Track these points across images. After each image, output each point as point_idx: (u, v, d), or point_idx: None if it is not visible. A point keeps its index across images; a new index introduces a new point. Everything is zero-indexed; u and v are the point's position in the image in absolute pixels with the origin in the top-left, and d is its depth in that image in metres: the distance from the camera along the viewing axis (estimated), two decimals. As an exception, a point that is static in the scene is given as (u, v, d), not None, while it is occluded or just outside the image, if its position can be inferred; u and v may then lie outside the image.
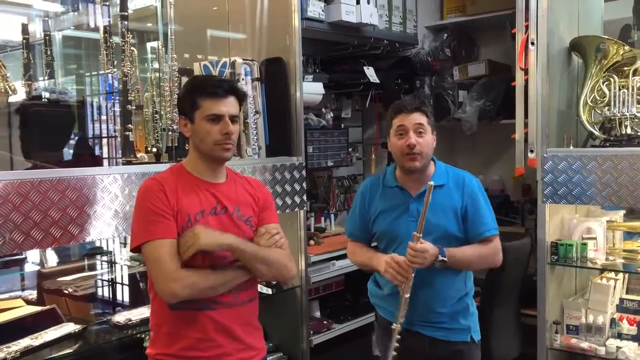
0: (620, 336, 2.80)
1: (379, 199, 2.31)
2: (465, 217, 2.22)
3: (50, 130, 2.38)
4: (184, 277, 1.73)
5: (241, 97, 1.91)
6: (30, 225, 1.91)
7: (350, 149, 3.89)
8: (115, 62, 2.39)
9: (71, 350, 2.14)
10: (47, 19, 2.69)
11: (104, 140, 2.78)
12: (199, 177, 1.88)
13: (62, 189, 1.99)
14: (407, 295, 2.11)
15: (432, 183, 2.08)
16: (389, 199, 2.27)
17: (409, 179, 2.26)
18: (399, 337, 2.12)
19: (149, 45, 2.99)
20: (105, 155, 2.78)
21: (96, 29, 2.52)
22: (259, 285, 2.82)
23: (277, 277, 1.97)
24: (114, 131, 2.47)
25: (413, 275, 2.10)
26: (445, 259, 2.11)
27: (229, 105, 1.84)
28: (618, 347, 2.71)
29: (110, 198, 2.14)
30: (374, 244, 2.42)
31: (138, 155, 2.44)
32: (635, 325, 2.80)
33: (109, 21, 2.41)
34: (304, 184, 2.94)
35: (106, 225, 2.13)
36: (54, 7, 3.07)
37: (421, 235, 2.08)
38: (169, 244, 1.75)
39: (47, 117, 2.35)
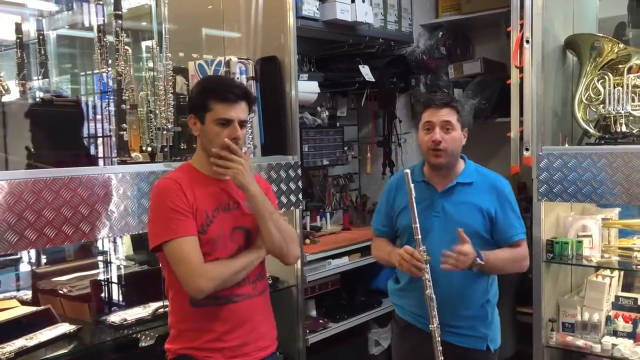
0: (615, 333, 2.81)
1: (405, 193, 2.21)
2: (494, 219, 2.21)
3: (44, 129, 2.37)
4: (209, 269, 1.79)
5: (252, 102, 1.96)
6: (24, 225, 1.90)
7: (345, 148, 3.89)
8: (110, 61, 2.39)
9: (66, 351, 2.14)
10: (41, 18, 2.68)
11: (99, 140, 2.77)
12: (209, 175, 1.93)
13: (56, 189, 1.98)
14: (429, 292, 2.08)
15: (407, 171, 2.10)
16: (416, 193, 2.14)
17: (436, 175, 2.26)
18: (437, 339, 2.08)
19: (143, 44, 2.99)
20: (100, 154, 2.77)
21: (90, 28, 2.51)
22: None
23: (284, 246, 1.94)
24: (109, 131, 2.46)
25: (428, 267, 2.07)
26: (482, 262, 2.10)
27: (239, 111, 1.88)
28: (614, 345, 2.72)
29: (105, 198, 2.13)
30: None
31: (133, 154, 2.43)
32: (630, 322, 2.80)
33: (104, 20, 2.40)
34: (300, 183, 2.94)
35: (101, 225, 2.12)
36: (48, 6, 3.07)
37: (417, 225, 2.06)
38: (192, 241, 1.80)
39: (40, 117, 2.34)
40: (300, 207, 2.96)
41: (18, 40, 2.41)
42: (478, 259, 2.09)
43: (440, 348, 2.08)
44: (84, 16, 2.92)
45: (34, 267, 2.83)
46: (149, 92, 2.49)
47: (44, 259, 3.02)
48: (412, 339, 2.29)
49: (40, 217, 1.94)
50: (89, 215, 2.07)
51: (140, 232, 2.28)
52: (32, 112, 2.29)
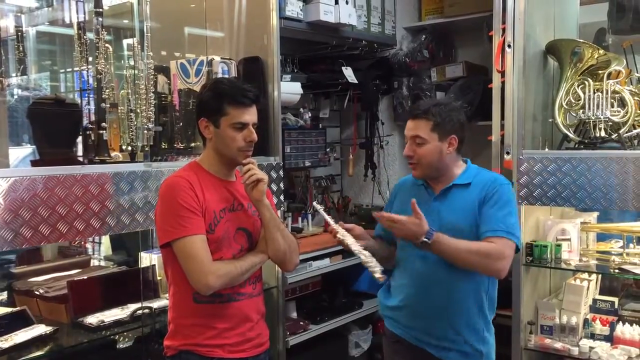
0: (593, 336, 2.84)
1: (406, 194, 2.21)
2: (479, 214, 2.07)
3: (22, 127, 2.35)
4: (218, 268, 1.84)
5: (259, 105, 2.00)
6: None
7: (328, 149, 3.88)
8: (90, 58, 2.36)
9: (42, 353, 2.11)
10: (19, 14, 2.64)
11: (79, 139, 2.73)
12: (216, 176, 1.97)
13: (33, 188, 1.94)
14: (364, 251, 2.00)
15: (317, 205, 2.14)
16: (413, 196, 2.09)
17: (432, 178, 2.18)
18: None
19: (125, 42, 2.95)
20: (80, 153, 2.73)
21: (71, 25, 2.48)
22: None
23: (287, 253, 2.01)
24: (89, 129, 2.42)
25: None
26: (428, 240, 1.95)
27: (252, 114, 1.93)
28: (591, 347, 2.75)
29: (84, 197, 2.10)
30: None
31: (112, 154, 2.41)
32: (607, 325, 2.84)
33: (84, 17, 2.37)
34: (282, 184, 2.93)
35: (81, 224, 2.09)
36: (28, 2, 3.02)
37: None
38: (202, 240, 1.84)
39: (19, 114, 2.31)
40: (281, 208, 2.95)
41: (-4, 37, 2.38)
42: (424, 237, 1.95)
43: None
44: (65, 13, 2.89)
45: (10, 267, 2.78)
46: (129, 90, 2.46)
47: (20, 259, 2.97)
48: (404, 355, 2.20)
49: (17, 217, 1.90)
50: (66, 215, 2.04)
51: (120, 232, 2.25)
52: (13, 109, 2.26)
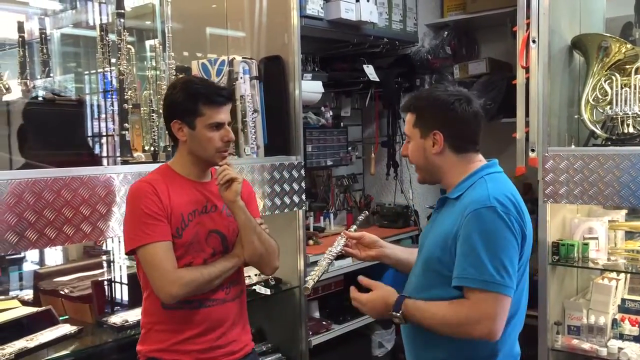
0: (622, 337, 2.78)
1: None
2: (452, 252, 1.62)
3: (46, 129, 2.36)
4: (182, 276, 1.78)
5: (231, 102, 1.97)
6: (24, 226, 1.89)
7: (349, 148, 3.87)
8: (113, 60, 2.37)
9: (67, 352, 2.12)
10: (43, 17, 2.67)
11: (102, 139, 2.76)
12: (188, 178, 1.93)
13: (57, 189, 1.96)
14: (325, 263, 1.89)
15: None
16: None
17: None
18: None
19: (147, 43, 2.97)
20: (104, 154, 2.76)
21: (94, 27, 2.50)
22: (257, 286, 2.84)
23: (265, 257, 1.96)
24: (113, 130, 2.45)
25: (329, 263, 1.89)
26: (397, 315, 1.64)
27: (227, 113, 1.90)
28: (620, 348, 2.69)
29: (107, 198, 2.11)
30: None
31: (135, 154, 2.42)
32: (637, 325, 2.78)
33: (107, 19, 2.38)
34: (303, 184, 2.92)
35: (103, 225, 2.10)
36: (52, 4, 3.05)
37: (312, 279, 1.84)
38: (165, 247, 1.80)
39: (42, 116, 2.33)
40: (303, 207, 2.94)
41: (20, 39, 2.41)
42: (394, 311, 1.65)
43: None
44: (88, 15, 2.92)
45: (36, 267, 2.81)
46: (151, 91, 2.47)
47: (47, 259, 3.01)
48: None
49: (41, 217, 1.92)
50: (90, 215, 2.05)
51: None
52: (32, 111, 2.27)
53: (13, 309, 2.34)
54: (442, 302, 1.61)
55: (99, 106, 2.75)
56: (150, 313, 1.91)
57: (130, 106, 2.36)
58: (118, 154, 2.38)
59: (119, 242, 3.17)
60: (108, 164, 2.51)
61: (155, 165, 2.30)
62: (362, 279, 1.80)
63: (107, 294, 2.50)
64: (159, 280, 1.77)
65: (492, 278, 1.53)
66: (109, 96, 2.45)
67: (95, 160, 2.45)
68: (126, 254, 1.86)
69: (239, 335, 1.99)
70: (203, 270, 1.84)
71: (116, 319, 2.33)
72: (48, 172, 1.99)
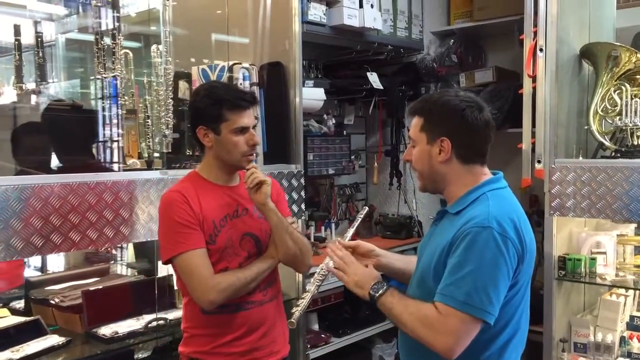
0: (630, 355, 2.71)
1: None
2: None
3: (39, 135, 2.32)
4: (220, 282, 1.82)
5: (256, 105, 2.01)
6: (9, 233, 1.84)
7: (352, 157, 3.81)
8: (108, 65, 2.34)
9: (53, 364, 2.07)
10: (39, 20, 2.63)
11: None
12: (217, 183, 1.96)
13: (44, 197, 1.91)
14: (312, 288, 1.80)
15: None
16: None
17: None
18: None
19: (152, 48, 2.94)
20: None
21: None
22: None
23: (298, 256, 1.98)
24: (105, 136, 2.39)
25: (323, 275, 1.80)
26: (375, 294, 1.63)
27: (251, 117, 1.93)
28: (628, 367, 2.62)
29: (97, 205, 2.05)
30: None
31: (129, 161, 2.37)
32: (646, 344, 2.70)
33: (113, 24, 2.36)
34: (302, 193, 2.86)
35: (95, 233, 2.05)
36: (55, 9, 3.03)
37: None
38: (201, 254, 1.84)
39: (36, 122, 2.29)
40: (302, 217, 2.89)
41: (16, 43, 2.39)
42: (372, 290, 1.64)
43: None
44: (91, 20, 2.89)
45: (27, 275, 2.76)
46: (146, 97, 2.42)
47: (48, 264, 2.97)
48: None
49: (27, 225, 1.87)
50: (79, 223, 2.00)
51: (135, 240, 2.21)
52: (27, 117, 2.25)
53: (1, 318, 2.29)
54: (419, 303, 1.59)
55: (95, 112, 2.71)
56: (190, 318, 1.97)
57: (124, 112, 2.31)
58: (110, 160, 2.33)
59: (121, 248, 3.15)
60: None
61: (149, 173, 2.27)
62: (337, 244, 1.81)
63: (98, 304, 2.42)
64: (197, 287, 1.81)
65: (470, 300, 1.49)
66: (104, 102, 2.41)
67: (87, 167, 2.40)
68: (163, 263, 1.89)
69: (278, 335, 2.04)
70: (239, 274, 1.88)
71: (106, 330, 2.27)
72: (37, 179, 1.93)
